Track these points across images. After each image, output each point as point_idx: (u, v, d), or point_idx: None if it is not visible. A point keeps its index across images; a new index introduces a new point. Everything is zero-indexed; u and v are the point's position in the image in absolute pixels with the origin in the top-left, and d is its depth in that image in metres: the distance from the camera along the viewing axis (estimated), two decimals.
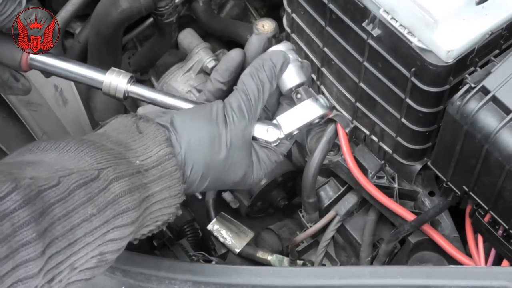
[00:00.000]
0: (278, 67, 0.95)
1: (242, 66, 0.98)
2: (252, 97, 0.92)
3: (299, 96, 0.97)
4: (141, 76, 1.79)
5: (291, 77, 0.97)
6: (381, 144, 1.24)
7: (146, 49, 1.75)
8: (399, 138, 1.17)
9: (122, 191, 0.78)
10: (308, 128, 0.99)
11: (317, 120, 0.97)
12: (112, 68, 0.99)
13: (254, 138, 0.94)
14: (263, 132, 0.94)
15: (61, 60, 1.01)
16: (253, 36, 0.99)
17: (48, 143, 0.79)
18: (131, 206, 0.79)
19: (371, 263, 1.34)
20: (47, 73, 1.04)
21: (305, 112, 0.96)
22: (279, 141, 0.96)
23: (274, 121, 0.96)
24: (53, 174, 0.73)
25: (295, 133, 0.96)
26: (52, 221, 0.71)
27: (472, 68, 1.04)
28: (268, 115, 1.01)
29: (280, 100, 1.02)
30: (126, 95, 0.98)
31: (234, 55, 0.98)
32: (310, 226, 1.39)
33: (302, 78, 0.98)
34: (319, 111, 0.96)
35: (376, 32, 1.06)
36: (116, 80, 0.98)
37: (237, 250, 1.51)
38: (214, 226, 1.53)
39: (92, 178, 0.76)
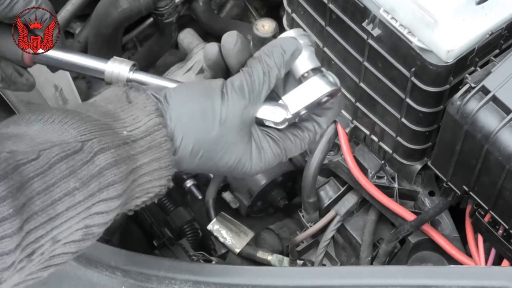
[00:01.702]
0: (289, 55, 0.90)
1: (222, 58, 0.93)
2: (257, 79, 0.88)
3: (306, 75, 0.92)
4: None
5: (304, 63, 0.92)
6: (381, 144, 1.24)
7: (146, 49, 1.75)
8: (399, 138, 1.17)
9: (107, 163, 0.77)
10: (316, 109, 0.92)
11: (325, 99, 0.91)
12: (114, 57, 0.98)
13: (259, 121, 0.90)
14: (269, 113, 0.89)
15: (63, 52, 1.01)
16: (225, 34, 0.96)
17: (33, 115, 0.77)
18: (118, 179, 0.77)
19: (371, 263, 1.34)
20: (52, 67, 1.03)
21: (312, 89, 0.91)
22: (286, 122, 0.90)
23: (280, 101, 0.90)
24: (33, 147, 0.72)
25: (302, 112, 0.91)
26: (31, 195, 0.70)
27: (472, 68, 1.04)
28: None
29: None
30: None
31: (208, 52, 0.95)
32: (310, 226, 1.39)
33: (315, 63, 0.93)
34: (327, 88, 0.90)
35: (376, 32, 1.06)
36: (118, 68, 0.96)
37: (237, 250, 1.51)
38: (214, 226, 1.53)
39: (75, 151, 0.74)
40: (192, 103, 0.86)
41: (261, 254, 1.50)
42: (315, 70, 0.92)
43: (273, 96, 0.91)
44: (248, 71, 0.89)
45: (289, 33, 0.94)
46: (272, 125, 0.90)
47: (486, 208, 1.06)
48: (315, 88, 0.91)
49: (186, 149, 0.85)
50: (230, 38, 0.91)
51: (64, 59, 1.00)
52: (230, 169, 0.89)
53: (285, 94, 0.91)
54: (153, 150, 0.82)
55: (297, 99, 0.90)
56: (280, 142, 0.91)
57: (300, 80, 0.92)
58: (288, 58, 0.90)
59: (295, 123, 0.91)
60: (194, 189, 1.61)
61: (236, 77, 0.89)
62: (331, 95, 0.91)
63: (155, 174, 0.83)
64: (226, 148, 0.87)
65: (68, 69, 1.01)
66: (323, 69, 0.94)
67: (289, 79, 0.93)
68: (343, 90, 1.24)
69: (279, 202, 1.62)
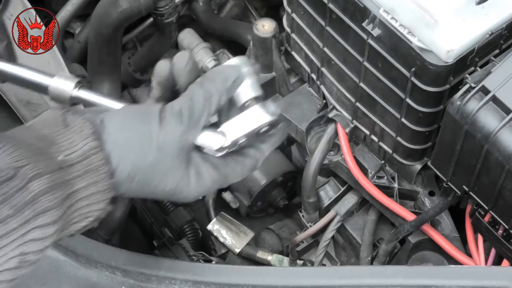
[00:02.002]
0: (230, 82, 0.90)
1: (173, 76, 0.93)
2: (197, 104, 0.87)
3: (247, 103, 0.92)
4: (141, 76, 1.79)
5: (246, 91, 0.92)
6: (381, 144, 1.24)
7: (146, 49, 1.75)
8: (399, 138, 1.17)
9: (41, 189, 0.76)
10: (258, 137, 0.92)
11: (266, 128, 0.91)
12: (61, 73, 0.97)
13: (198, 148, 0.89)
14: (207, 139, 0.89)
15: (9, 64, 0.98)
16: (178, 54, 0.96)
17: None
18: (53, 205, 0.77)
19: (371, 263, 1.34)
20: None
21: (251, 118, 0.90)
22: (224, 150, 0.90)
23: (219, 129, 0.90)
24: None
25: (241, 141, 0.91)
26: None
27: (472, 68, 1.04)
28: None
29: None
30: (73, 101, 0.94)
31: (160, 69, 0.93)
32: (310, 226, 1.39)
33: (257, 92, 0.93)
34: (267, 118, 0.90)
35: (376, 32, 1.06)
36: (62, 85, 0.93)
37: (237, 250, 1.51)
38: (214, 226, 1.53)
39: (8, 178, 0.74)
40: (129, 127, 0.85)
41: (261, 254, 1.50)
42: (257, 99, 0.92)
43: (215, 123, 0.91)
44: (189, 96, 0.88)
45: (233, 60, 0.94)
46: (210, 152, 0.89)
47: (486, 208, 1.06)
48: (255, 118, 0.90)
49: (122, 173, 0.84)
50: (182, 58, 0.91)
51: (9, 72, 0.97)
52: (167, 194, 0.88)
53: (226, 121, 0.90)
54: (90, 174, 0.81)
55: (236, 128, 0.90)
56: (220, 168, 0.90)
57: (242, 108, 0.92)
58: (230, 86, 0.90)
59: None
60: None
61: (176, 102, 0.88)
62: (271, 124, 0.91)
63: (93, 198, 0.82)
64: (163, 174, 0.86)
65: (13, 82, 0.98)
66: (269, 101, 0.93)
67: (232, 107, 0.93)
68: (343, 90, 1.24)
69: (279, 202, 1.62)
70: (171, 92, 0.92)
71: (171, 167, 0.86)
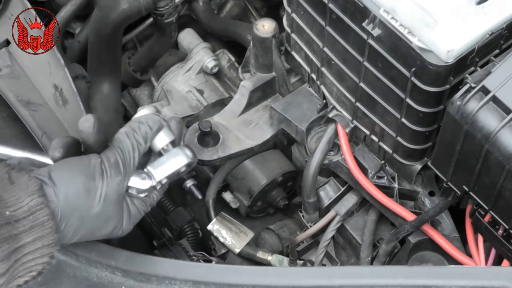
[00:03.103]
0: (154, 131, 1.01)
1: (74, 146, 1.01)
2: (127, 153, 0.97)
3: (165, 147, 1.04)
4: (141, 76, 1.79)
5: (162, 137, 1.04)
6: (381, 144, 1.24)
7: (146, 49, 1.75)
8: (399, 138, 1.17)
9: None
10: (177, 176, 1.06)
11: (184, 169, 1.05)
12: None
13: (128, 188, 0.99)
14: (137, 181, 1.00)
15: None
16: (82, 119, 1.01)
17: None
18: (0, 258, 0.79)
19: (371, 263, 1.34)
20: None
21: (172, 160, 1.04)
22: (151, 190, 1.02)
23: (145, 170, 1.02)
24: None
25: (164, 181, 1.03)
26: None
27: (472, 68, 1.04)
28: None
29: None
30: None
31: (53, 157, 0.99)
32: (310, 226, 1.39)
33: (170, 137, 1.05)
34: (185, 160, 1.04)
35: (376, 32, 1.06)
36: None
37: (237, 250, 1.51)
38: (214, 226, 1.53)
39: None
40: (77, 183, 0.91)
41: (261, 254, 1.50)
42: (172, 143, 1.05)
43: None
44: (120, 147, 0.97)
45: (144, 111, 1.07)
46: (135, 192, 1.00)
47: (486, 208, 1.06)
48: (175, 159, 1.04)
49: (70, 228, 0.89)
50: (87, 124, 0.97)
51: None
52: (104, 236, 0.97)
53: (149, 165, 1.03)
54: (36, 229, 0.84)
55: (161, 169, 1.03)
56: (147, 200, 1.02)
57: (161, 152, 1.05)
58: (153, 134, 1.01)
59: None
60: (194, 189, 1.61)
61: (110, 153, 0.96)
62: (189, 165, 1.05)
63: (38, 252, 0.85)
64: (105, 222, 0.95)
65: None
66: (184, 146, 1.07)
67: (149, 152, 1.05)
68: (343, 90, 1.24)
69: (279, 202, 1.62)
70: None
71: (112, 215, 0.95)
